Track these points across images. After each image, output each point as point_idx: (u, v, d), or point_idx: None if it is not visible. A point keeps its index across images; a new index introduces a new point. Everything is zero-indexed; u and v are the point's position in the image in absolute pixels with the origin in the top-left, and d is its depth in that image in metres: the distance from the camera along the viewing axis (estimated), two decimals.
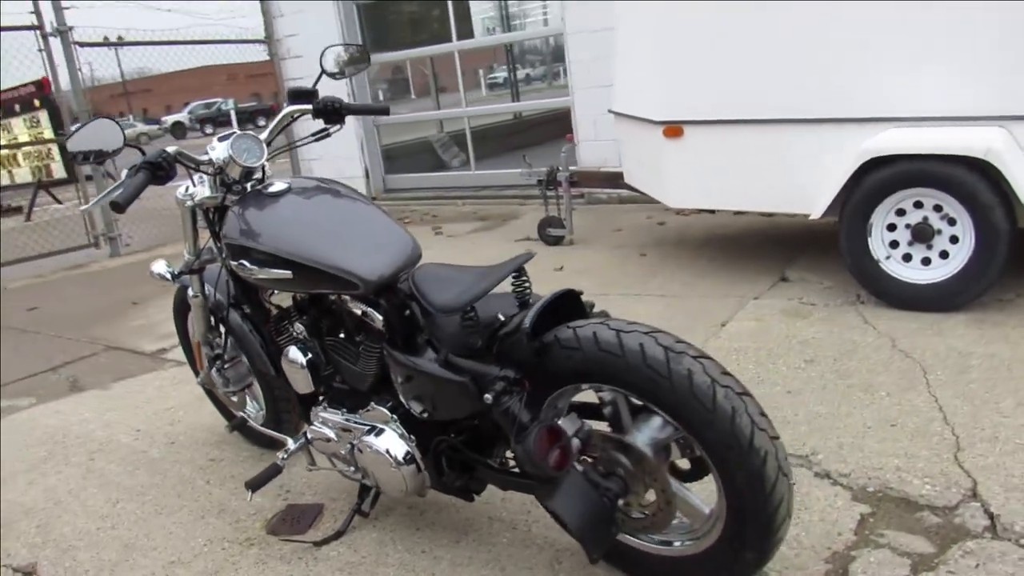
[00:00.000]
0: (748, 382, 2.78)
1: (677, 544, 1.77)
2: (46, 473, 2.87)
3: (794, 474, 2.20)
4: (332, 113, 2.30)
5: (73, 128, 1.97)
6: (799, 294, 3.71)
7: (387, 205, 7.96)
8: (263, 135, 2.20)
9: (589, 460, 1.76)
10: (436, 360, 1.81)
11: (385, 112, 2.64)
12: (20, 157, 11.85)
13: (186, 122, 38.36)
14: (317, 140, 2.36)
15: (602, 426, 1.77)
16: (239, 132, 2.11)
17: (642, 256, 4.77)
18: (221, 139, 2.12)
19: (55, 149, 11.22)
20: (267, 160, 2.17)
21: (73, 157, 1.89)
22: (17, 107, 11.04)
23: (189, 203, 2.22)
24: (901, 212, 3.29)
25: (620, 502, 1.70)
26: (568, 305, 1.77)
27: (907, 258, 3.32)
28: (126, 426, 3.20)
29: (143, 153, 1.96)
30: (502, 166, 7.61)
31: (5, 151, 11.89)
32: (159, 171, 1.92)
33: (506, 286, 1.85)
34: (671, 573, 1.81)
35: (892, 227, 3.32)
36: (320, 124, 2.39)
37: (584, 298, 1.80)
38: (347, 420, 2.11)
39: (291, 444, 2.26)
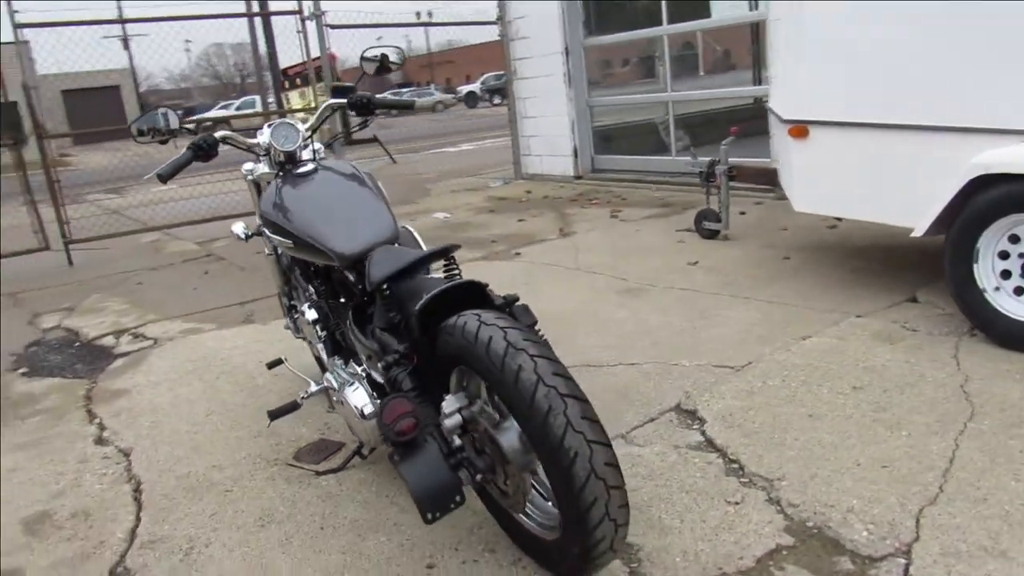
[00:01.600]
0: (779, 401, 2.73)
1: (535, 526, 1.90)
2: (182, 383, 3.59)
3: (740, 494, 2.20)
4: (363, 107, 2.62)
5: (137, 116, 2.51)
6: (909, 318, 3.39)
7: (588, 185, 8.20)
8: (307, 124, 2.60)
9: (469, 437, 1.93)
10: (366, 330, 2.09)
11: (410, 107, 2.90)
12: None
13: (478, 92, 40.95)
14: (360, 129, 2.70)
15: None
16: (280, 120, 2.53)
17: (784, 259, 4.56)
18: (269, 126, 2.55)
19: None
20: (303, 145, 2.55)
21: (136, 137, 2.41)
22: (298, 80, 12.87)
23: (250, 177, 2.69)
24: (1015, 239, 2.90)
25: (479, 477, 1.86)
26: (479, 295, 1.95)
27: (1020, 291, 2.92)
28: (256, 356, 3.85)
29: (194, 135, 2.44)
30: (712, 154, 7.44)
31: (301, 116, 13.93)
32: (200, 151, 2.39)
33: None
34: (533, 549, 1.94)
35: (1004, 255, 2.93)
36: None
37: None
38: (339, 373, 2.46)
39: (312, 387, 2.67)
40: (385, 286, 2.02)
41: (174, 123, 2.43)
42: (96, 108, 36.71)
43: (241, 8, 19.74)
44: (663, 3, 7.47)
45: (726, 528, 2.08)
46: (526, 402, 1.65)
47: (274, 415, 2.65)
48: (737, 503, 2.19)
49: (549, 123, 8.75)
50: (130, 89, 39.99)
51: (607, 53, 9.32)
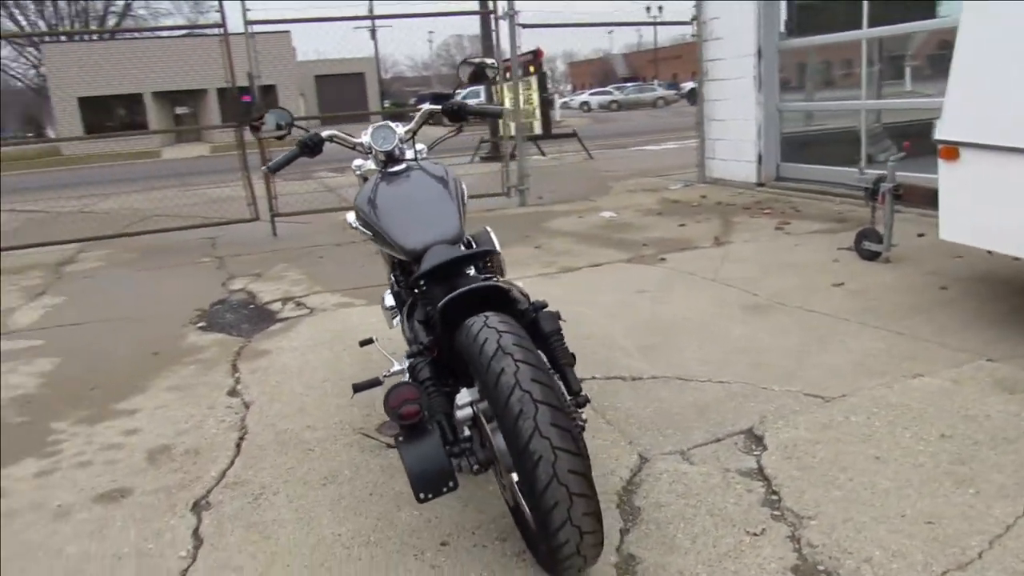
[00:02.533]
0: (852, 438, 2.59)
1: (530, 522, 2.00)
2: (314, 351, 4.02)
3: (764, 526, 2.16)
4: (455, 113, 2.81)
5: (259, 115, 2.85)
6: None
7: (767, 194, 7.88)
8: (407, 127, 2.82)
9: (477, 430, 2.06)
10: (409, 321, 2.28)
11: (498, 115, 3.01)
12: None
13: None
14: (452, 136, 2.89)
15: None
16: (381, 123, 2.77)
17: (941, 289, 4.19)
18: (373, 127, 2.81)
19: (536, 110, 13.30)
20: (402, 146, 2.77)
21: (256, 131, 2.76)
22: (507, 75, 13.36)
23: (358, 172, 2.98)
24: None
25: (476, 468, 1.99)
26: (501, 298, 2.07)
27: None
28: (384, 333, 4.20)
29: (306, 131, 2.75)
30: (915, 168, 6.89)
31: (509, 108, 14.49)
32: (306, 148, 2.70)
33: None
34: (530, 543, 2.04)
35: None
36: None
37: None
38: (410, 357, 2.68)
39: (395, 367, 2.92)
40: (422, 282, 2.20)
41: (284, 120, 2.75)
42: (342, 93, 40.37)
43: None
44: (864, 4, 6.98)
45: (733, 557, 2.05)
46: (502, 404, 1.76)
47: (357, 388, 2.91)
48: (756, 534, 2.14)
49: (736, 127, 8.49)
50: (373, 76, 43.45)
51: (804, 56, 8.84)
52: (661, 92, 43.90)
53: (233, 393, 3.50)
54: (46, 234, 8.64)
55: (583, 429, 2.06)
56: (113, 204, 10.61)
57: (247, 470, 2.74)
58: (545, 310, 2.16)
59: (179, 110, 32.67)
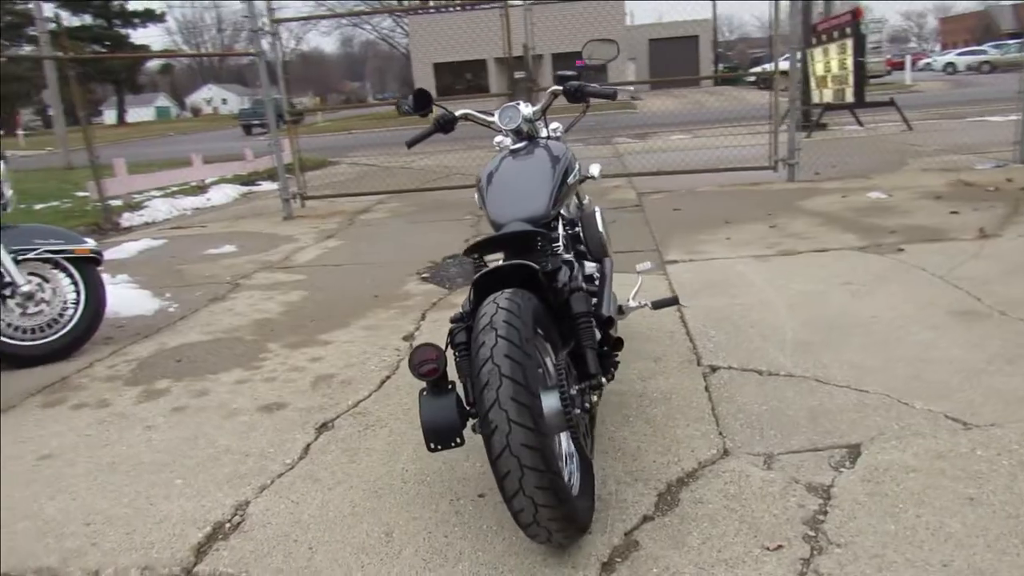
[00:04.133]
0: (960, 473, 2.35)
1: None
2: None
3: (786, 544, 2.07)
4: (574, 95, 2.88)
5: (405, 96, 3.13)
6: None
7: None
8: (535, 107, 2.97)
9: None
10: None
11: (612, 97, 2.94)
12: (829, 80, 13.17)
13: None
14: (581, 117, 2.98)
15: None
16: (509, 104, 2.95)
17: None
18: (502, 107, 3.00)
19: (850, 76, 12.21)
20: (528, 125, 2.93)
21: (404, 113, 3.07)
22: (835, 34, 12.30)
23: (496, 149, 3.19)
24: None
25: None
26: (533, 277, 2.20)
27: None
28: None
29: (444, 110, 3.03)
30: None
31: (819, 74, 13.44)
32: (439, 125, 2.98)
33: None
34: None
35: None
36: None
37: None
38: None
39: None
40: (476, 255, 2.38)
41: (424, 100, 3.04)
42: (673, 56, 40.13)
43: None
44: None
45: (729, 565, 1.99)
46: (476, 373, 1.91)
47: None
48: (770, 549, 2.04)
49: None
50: (707, 40, 42.51)
51: None
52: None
53: (408, 338, 3.98)
54: (361, 185, 10.10)
55: (589, 412, 2.12)
56: (429, 161, 11.94)
57: (375, 404, 3.17)
58: (577, 294, 2.23)
59: (517, 75, 35.04)
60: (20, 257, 3.91)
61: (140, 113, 71.19)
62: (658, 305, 3.35)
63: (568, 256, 2.67)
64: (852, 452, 2.50)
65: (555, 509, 1.89)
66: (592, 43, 3.00)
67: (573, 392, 2.10)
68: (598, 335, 2.42)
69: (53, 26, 27.93)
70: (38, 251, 3.97)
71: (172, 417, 3.18)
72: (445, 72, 33.59)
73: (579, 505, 2.04)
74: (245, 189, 11.56)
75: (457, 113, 3.03)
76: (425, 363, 2.12)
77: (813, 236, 5.48)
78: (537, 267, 2.19)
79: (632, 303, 3.33)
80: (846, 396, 2.90)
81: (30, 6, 29.56)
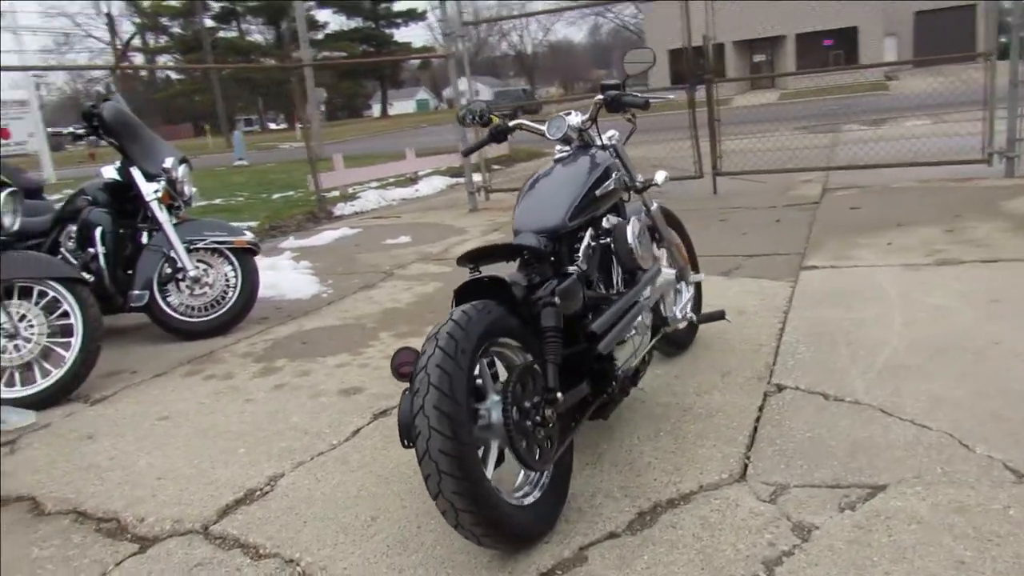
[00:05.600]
0: (972, 531, 2.18)
1: None
2: None
3: None
4: (610, 105, 2.86)
5: (464, 105, 3.22)
6: None
7: None
8: (582, 116, 2.98)
9: None
10: None
11: (644, 107, 2.81)
12: None
13: None
14: (633, 129, 2.97)
15: None
16: (558, 115, 2.99)
17: None
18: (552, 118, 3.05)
19: None
20: (573, 134, 2.95)
21: (461, 121, 3.21)
22: None
23: (557, 156, 3.24)
24: None
25: None
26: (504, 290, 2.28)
27: None
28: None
29: (502, 117, 3.13)
30: None
31: None
32: (493, 135, 3.10)
33: None
34: None
35: None
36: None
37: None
38: None
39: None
40: (471, 265, 2.48)
41: (481, 112, 3.15)
42: (944, 31, 35.91)
43: None
44: None
45: None
46: (413, 380, 2.04)
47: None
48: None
49: None
50: (987, 8, 37.43)
51: None
52: None
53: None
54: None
55: (546, 423, 2.16)
56: (634, 152, 11.82)
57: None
58: (548, 308, 2.27)
59: (756, 58, 33.52)
60: (191, 247, 4.62)
61: (403, 106, 77.39)
62: (703, 320, 3.22)
63: (583, 267, 2.68)
64: (871, 494, 2.29)
65: (474, 515, 1.98)
66: (632, 52, 2.95)
67: (527, 405, 2.15)
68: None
69: (322, 35, 31.31)
70: (206, 242, 4.66)
71: (271, 393, 3.63)
72: (676, 58, 33.03)
73: (513, 514, 2.10)
74: (453, 180, 12.28)
75: (511, 123, 3.12)
76: (404, 365, 2.29)
77: (991, 244, 4.83)
78: (509, 281, 2.26)
79: (678, 314, 3.25)
80: (904, 431, 2.63)
81: (312, 13, 33.65)
